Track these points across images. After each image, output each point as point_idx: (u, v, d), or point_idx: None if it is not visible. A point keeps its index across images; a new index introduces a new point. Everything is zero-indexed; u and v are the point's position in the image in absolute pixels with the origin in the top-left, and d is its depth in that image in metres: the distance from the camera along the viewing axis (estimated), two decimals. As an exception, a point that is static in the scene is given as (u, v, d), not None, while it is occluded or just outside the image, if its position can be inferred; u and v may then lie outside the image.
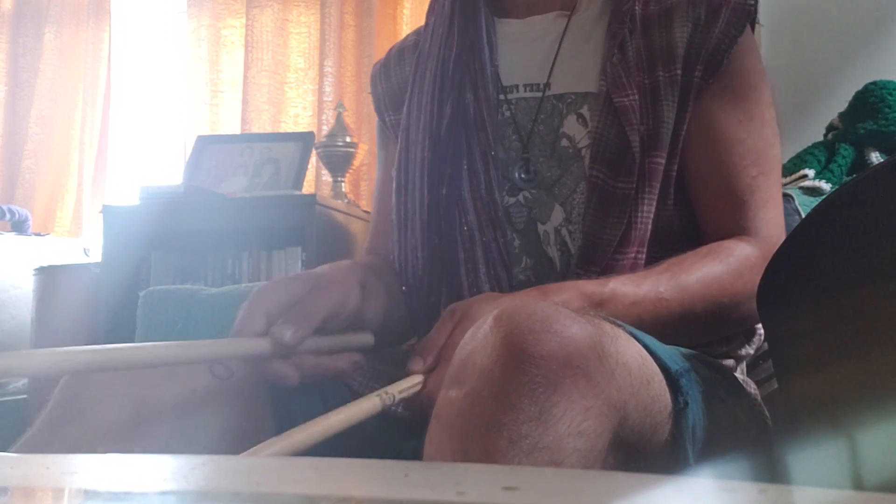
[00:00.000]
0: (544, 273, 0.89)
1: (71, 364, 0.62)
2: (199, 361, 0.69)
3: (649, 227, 0.87)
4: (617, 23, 0.91)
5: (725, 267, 0.84)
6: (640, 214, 0.86)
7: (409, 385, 0.74)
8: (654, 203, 0.87)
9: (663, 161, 0.87)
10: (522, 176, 0.91)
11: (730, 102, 0.89)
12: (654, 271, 0.83)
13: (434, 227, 0.91)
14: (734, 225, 0.89)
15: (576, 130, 0.90)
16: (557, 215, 0.89)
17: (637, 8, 0.92)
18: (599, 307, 0.77)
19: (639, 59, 0.89)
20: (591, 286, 0.80)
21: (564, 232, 0.89)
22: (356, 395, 0.88)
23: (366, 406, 0.70)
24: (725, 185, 0.89)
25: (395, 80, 1.06)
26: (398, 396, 0.72)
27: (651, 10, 0.92)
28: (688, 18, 0.89)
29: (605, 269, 0.85)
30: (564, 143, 0.90)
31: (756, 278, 0.81)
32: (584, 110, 0.90)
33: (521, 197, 0.91)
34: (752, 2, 0.91)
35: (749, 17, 0.90)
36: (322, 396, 0.86)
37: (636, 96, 0.87)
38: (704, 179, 0.90)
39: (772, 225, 0.89)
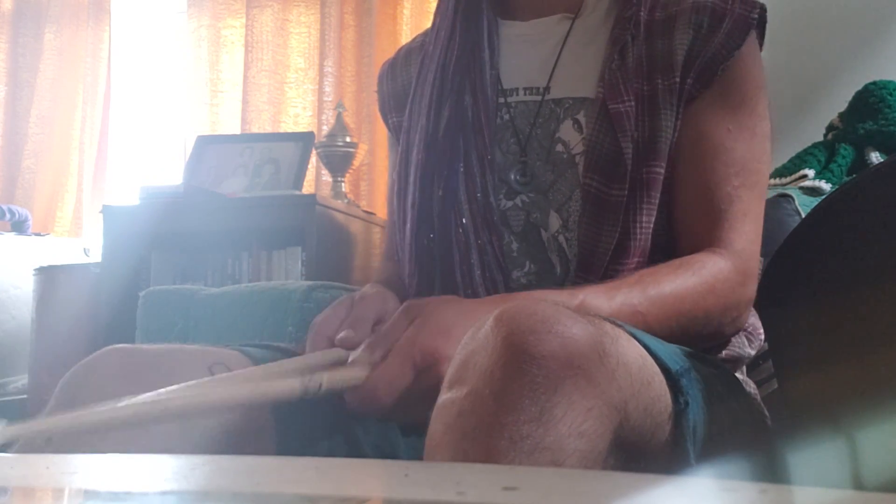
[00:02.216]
0: (546, 278, 0.89)
1: (115, 420, 0.62)
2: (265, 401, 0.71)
3: (650, 236, 0.86)
4: (620, 28, 0.91)
5: (698, 280, 0.82)
6: (639, 224, 0.85)
7: (344, 376, 0.69)
8: (654, 213, 0.86)
9: (662, 171, 0.86)
10: (518, 178, 0.91)
11: (721, 111, 0.88)
12: (626, 283, 0.81)
13: (426, 228, 0.91)
14: (708, 235, 0.87)
15: (571, 136, 0.90)
16: (554, 222, 0.89)
17: (642, 14, 0.91)
18: None
19: (638, 66, 0.88)
20: (560, 297, 0.77)
21: (561, 238, 0.89)
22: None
23: (281, 387, 0.66)
24: (704, 192, 0.87)
25: (400, 81, 1.06)
26: (325, 385, 0.67)
27: (656, 17, 0.91)
28: (689, 26, 0.88)
29: (606, 277, 0.84)
30: (559, 148, 0.90)
31: (729, 293, 0.80)
32: (581, 116, 0.90)
33: (518, 200, 0.91)
34: (756, 15, 0.90)
35: (751, 27, 0.89)
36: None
37: (632, 103, 0.87)
38: (684, 185, 0.88)
39: (747, 240, 0.87)
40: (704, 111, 0.88)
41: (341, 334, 0.76)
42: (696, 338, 0.84)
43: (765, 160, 0.90)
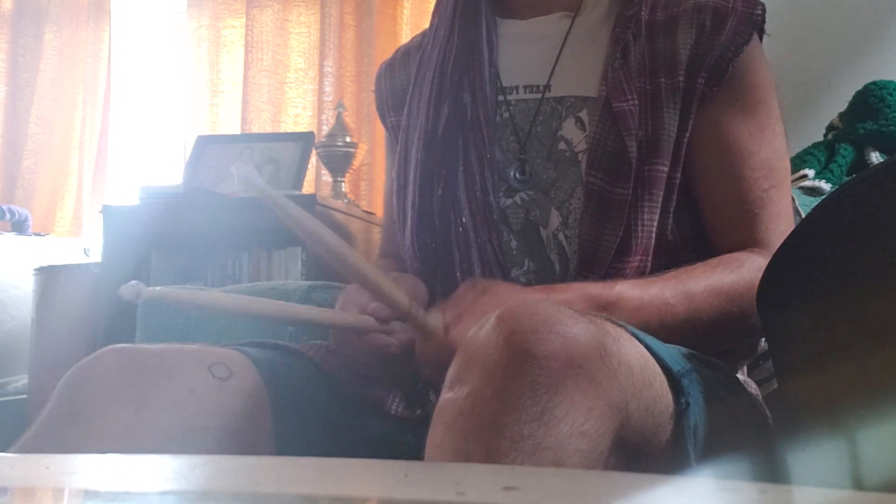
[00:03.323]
0: (545, 277, 0.89)
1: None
2: (316, 323, 0.83)
3: (653, 235, 0.86)
4: (621, 27, 0.91)
5: (736, 277, 0.84)
6: (641, 222, 0.86)
7: (433, 318, 0.78)
8: (657, 211, 0.87)
9: (666, 168, 0.87)
10: (517, 176, 0.91)
11: (741, 114, 0.89)
12: (662, 278, 0.83)
13: (427, 227, 0.91)
14: (745, 237, 0.89)
15: (574, 134, 0.90)
16: (554, 219, 0.89)
17: (644, 13, 0.91)
18: (604, 310, 0.77)
19: (641, 65, 0.89)
20: (596, 288, 0.80)
21: (561, 237, 0.89)
22: (355, 398, 0.88)
23: (395, 297, 0.76)
24: (737, 198, 0.89)
25: (398, 81, 1.06)
26: (421, 318, 0.77)
27: (658, 17, 0.91)
28: (692, 25, 0.89)
29: (608, 276, 0.84)
30: (562, 146, 0.90)
31: None
32: (583, 114, 0.90)
33: (517, 198, 0.91)
34: (759, 12, 0.91)
35: (755, 26, 0.90)
36: (321, 398, 0.86)
37: (636, 102, 0.87)
38: (715, 191, 0.90)
39: (784, 238, 0.89)
40: (724, 116, 0.89)
41: (374, 304, 0.79)
42: (732, 333, 0.86)
43: (786, 156, 0.93)
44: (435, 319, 0.77)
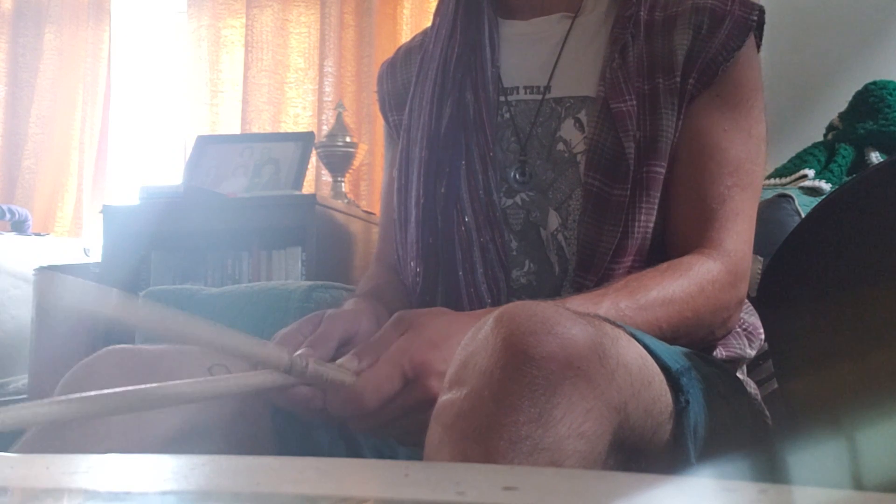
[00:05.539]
0: (545, 278, 0.89)
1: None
2: (222, 396, 0.68)
3: (648, 236, 0.86)
4: (620, 27, 0.91)
5: (687, 282, 0.82)
6: (637, 223, 0.85)
7: (333, 367, 0.67)
8: (654, 212, 0.86)
9: (663, 170, 0.86)
10: (518, 177, 0.91)
11: (718, 111, 0.88)
12: (612, 289, 0.80)
13: (430, 226, 0.91)
14: (699, 235, 0.86)
15: (572, 135, 0.90)
16: (553, 220, 0.89)
17: (642, 13, 0.91)
18: None
19: (639, 65, 0.89)
20: None
21: (560, 237, 0.89)
22: None
23: (266, 376, 0.63)
24: (697, 191, 0.87)
25: (400, 80, 1.06)
26: (311, 368, 0.65)
27: (656, 17, 0.91)
28: (689, 26, 0.89)
29: (603, 277, 0.84)
30: (560, 147, 0.90)
31: (719, 294, 0.79)
32: (582, 115, 0.90)
33: (517, 199, 0.91)
34: (755, 17, 0.90)
35: (750, 30, 0.89)
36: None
37: (634, 102, 0.87)
38: (678, 183, 0.88)
39: (738, 240, 0.86)
40: (701, 111, 0.88)
41: (298, 352, 0.68)
42: (688, 340, 0.83)
43: (759, 162, 0.90)
44: (349, 363, 0.68)
